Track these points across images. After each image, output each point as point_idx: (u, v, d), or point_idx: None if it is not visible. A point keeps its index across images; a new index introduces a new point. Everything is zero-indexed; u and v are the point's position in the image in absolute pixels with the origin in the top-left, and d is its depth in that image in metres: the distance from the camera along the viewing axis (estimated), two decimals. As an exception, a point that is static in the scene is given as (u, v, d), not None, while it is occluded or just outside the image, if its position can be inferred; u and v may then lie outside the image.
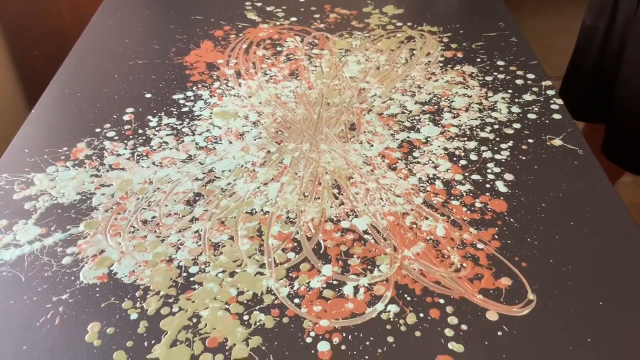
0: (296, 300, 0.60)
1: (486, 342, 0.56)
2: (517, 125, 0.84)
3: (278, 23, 1.15)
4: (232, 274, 0.64)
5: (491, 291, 0.61)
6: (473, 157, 0.79)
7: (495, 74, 0.96)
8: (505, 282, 0.62)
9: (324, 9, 1.19)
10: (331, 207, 0.72)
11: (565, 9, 2.97)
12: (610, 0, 1.08)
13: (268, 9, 1.20)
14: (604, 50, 1.11)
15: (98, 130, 0.86)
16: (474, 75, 0.96)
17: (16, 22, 1.56)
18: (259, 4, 1.21)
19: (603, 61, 1.12)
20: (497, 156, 0.79)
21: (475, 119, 0.86)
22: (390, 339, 0.56)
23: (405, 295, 0.60)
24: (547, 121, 0.85)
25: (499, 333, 0.56)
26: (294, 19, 1.16)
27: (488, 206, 0.71)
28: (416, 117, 0.88)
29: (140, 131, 0.86)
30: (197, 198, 0.74)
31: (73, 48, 1.08)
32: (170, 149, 0.83)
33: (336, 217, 0.71)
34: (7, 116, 1.66)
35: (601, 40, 1.11)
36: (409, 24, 1.13)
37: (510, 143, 0.81)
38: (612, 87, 1.09)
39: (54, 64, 1.60)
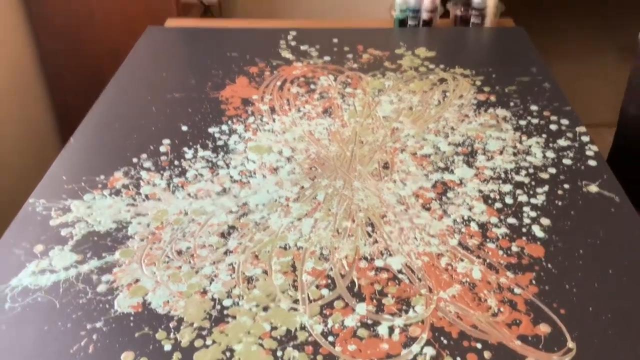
0: (330, 338, 0.60)
1: (526, 391, 0.54)
2: (552, 170, 0.84)
3: (312, 62, 1.17)
4: (265, 309, 0.63)
5: (530, 337, 0.59)
6: (508, 200, 0.78)
7: (529, 118, 0.96)
8: (544, 328, 0.60)
9: (356, 50, 1.21)
10: (365, 245, 0.72)
11: (591, 56, 2.99)
12: None
13: (302, 48, 1.22)
14: None
15: (135, 160, 0.87)
16: (507, 118, 0.97)
17: (52, 48, 1.61)
18: (293, 43, 1.24)
19: None
20: (532, 200, 0.78)
21: (510, 162, 0.86)
22: (426, 382, 0.55)
23: (442, 338, 0.59)
24: (582, 167, 0.84)
25: (539, 382, 0.55)
26: (327, 58, 1.18)
27: (525, 250, 0.70)
28: (450, 159, 0.88)
29: (176, 162, 0.87)
30: (231, 231, 0.74)
31: (112, 78, 1.10)
32: (206, 181, 0.84)
33: (370, 256, 0.70)
34: (39, 140, 1.70)
35: None
36: (441, 66, 1.14)
37: (546, 188, 0.80)
38: None
39: (86, 88, 1.64)
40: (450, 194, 0.80)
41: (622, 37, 3.17)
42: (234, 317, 0.62)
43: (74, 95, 1.67)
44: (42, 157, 1.71)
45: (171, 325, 0.61)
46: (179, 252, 0.71)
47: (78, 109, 1.65)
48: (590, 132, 2.43)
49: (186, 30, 1.33)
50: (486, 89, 1.05)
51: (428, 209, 0.78)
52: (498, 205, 0.78)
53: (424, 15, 1.30)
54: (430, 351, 0.58)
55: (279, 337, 0.60)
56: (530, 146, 0.90)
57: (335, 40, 1.25)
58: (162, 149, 0.90)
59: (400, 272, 0.68)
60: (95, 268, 0.69)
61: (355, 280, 0.67)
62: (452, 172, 0.85)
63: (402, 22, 1.32)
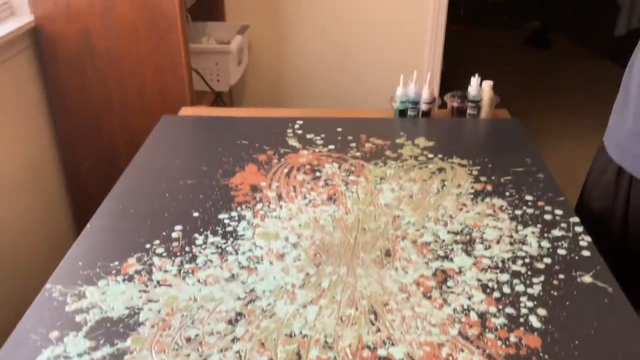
0: None
1: None
2: (547, 260, 0.87)
3: (317, 150, 1.23)
4: (271, 398, 0.65)
5: None
6: (506, 289, 0.82)
7: (524, 208, 1.01)
8: (542, 421, 0.62)
9: (359, 139, 1.28)
10: (368, 333, 0.75)
11: (589, 140, 3.08)
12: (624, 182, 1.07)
13: (308, 136, 1.29)
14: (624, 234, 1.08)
15: (148, 246, 0.91)
16: (503, 208, 1.01)
17: (70, 133, 1.69)
18: (299, 132, 1.31)
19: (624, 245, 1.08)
20: (529, 290, 0.81)
21: (507, 251, 0.90)
22: None
23: None
24: (576, 257, 0.88)
25: None
26: (332, 146, 1.25)
27: (522, 341, 0.72)
28: (449, 247, 0.91)
29: (187, 248, 0.91)
30: (238, 317, 0.77)
31: (129, 166, 1.17)
32: (215, 267, 0.87)
33: (373, 344, 0.73)
34: (55, 225, 1.74)
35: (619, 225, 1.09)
36: (439, 155, 1.20)
37: (542, 278, 0.84)
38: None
39: (103, 174, 1.71)
40: (450, 283, 0.84)
41: (616, 121, 3.27)
42: (241, 406, 0.64)
43: (90, 180, 1.73)
44: (58, 241, 1.76)
45: (180, 413, 0.63)
46: (188, 340, 0.74)
47: (94, 192, 1.72)
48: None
49: (199, 119, 1.41)
50: (483, 178, 1.11)
51: (429, 298, 0.81)
52: (496, 294, 0.81)
53: (423, 107, 1.38)
54: None
55: None
56: (526, 236, 0.94)
57: (339, 129, 1.32)
58: (174, 234, 0.95)
59: (402, 361, 0.70)
60: (107, 355, 0.71)
61: (359, 369, 0.69)
62: (451, 260, 0.88)
63: (403, 113, 1.39)
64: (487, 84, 1.37)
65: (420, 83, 1.37)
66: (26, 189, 1.61)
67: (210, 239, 0.94)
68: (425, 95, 1.37)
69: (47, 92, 1.65)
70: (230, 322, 0.77)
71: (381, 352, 0.72)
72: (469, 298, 0.80)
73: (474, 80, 1.36)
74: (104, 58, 1.56)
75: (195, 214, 1.00)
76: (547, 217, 0.98)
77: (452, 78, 3.53)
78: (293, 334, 0.74)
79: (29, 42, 1.58)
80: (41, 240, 1.68)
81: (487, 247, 0.91)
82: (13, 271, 1.55)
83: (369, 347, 0.72)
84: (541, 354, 0.70)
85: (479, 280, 0.84)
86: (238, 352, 0.72)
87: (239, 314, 0.78)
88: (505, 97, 1.40)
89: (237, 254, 0.90)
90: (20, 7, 1.58)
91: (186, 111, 1.49)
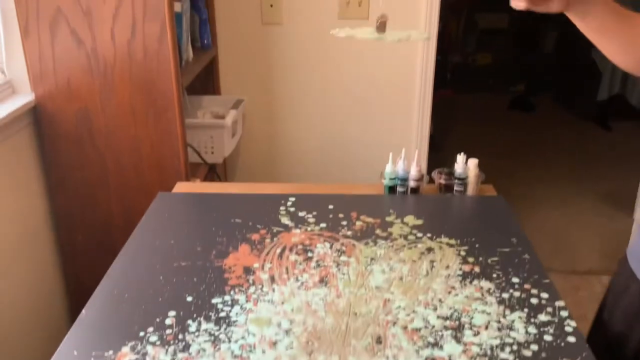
0: None
1: None
2: (534, 347, 0.89)
3: (309, 229, 1.26)
4: None
5: None
6: (494, 379, 0.83)
7: (511, 291, 1.03)
8: None
9: (350, 217, 1.31)
10: None
11: (575, 204, 3.14)
12: None
13: (300, 214, 1.32)
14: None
15: (142, 334, 0.92)
16: (491, 291, 1.04)
17: (66, 209, 1.71)
18: (292, 209, 1.34)
19: None
20: (517, 380, 0.83)
21: (495, 337, 0.92)
22: None
23: None
24: (562, 344, 0.90)
25: None
26: (323, 225, 1.28)
27: None
28: (439, 333, 0.93)
29: (180, 336, 0.92)
30: (231, 411, 0.78)
31: (124, 246, 1.19)
32: (208, 356, 0.88)
33: None
34: (49, 307, 1.74)
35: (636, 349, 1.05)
36: (428, 234, 1.23)
37: (530, 366, 0.85)
38: None
39: (97, 249, 1.72)
40: (439, 372, 0.85)
41: (602, 185, 3.35)
42: None
43: (84, 253, 1.75)
44: (52, 322, 1.75)
45: None
46: None
47: (88, 265, 1.73)
48: (577, 280, 2.50)
49: (193, 196, 1.44)
50: (470, 259, 1.14)
51: (419, 388, 0.82)
52: (485, 384, 0.82)
53: (412, 184, 1.42)
54: None
55: None
56: (513, 321, 0.96)
57: (330, 206, 1.35)
58: (168, 321, 0.96)
59: None
60: None
61: None
62: (441, 347, 0.90)
63: (392, 189, 1.43)
64: (473, 162, 1.42)
65: (408, 160, 1.42)
66: (20, 263, 1.62)
67: (204, 325, 0.95)
68: (413, 172, 1.42)
69: (45, 167, 1.69)
70: (223, 415, 0.77)
71: None
72: (459, 388, 0.82)
73: (460, 158, 1.41)
74: (102, 136, 1.60)
75: (189, 299, 1.02)
76: (534, 300, 1.01)
77: (440, 142, 3.62)
78: None
79: (30, 119, 1.63)
80: (34, 318, 1.67)
81: (476, 334, 0.93)
82: (8, 355, 1.54)
83: None
84: None
85: (468, 368, 0.85)
86: None
87: (232, 407, 0.79)
88: (491, 160, 1.44)
89: (230, 342, 0.92)
90: (21, 85, 1.63)
91: (181, 187, 1.52)
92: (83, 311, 0.98)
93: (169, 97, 1.57)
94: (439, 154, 3.40)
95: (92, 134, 1.61)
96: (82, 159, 1.63)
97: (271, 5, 2.16)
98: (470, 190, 1.43)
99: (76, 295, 1.81)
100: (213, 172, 1.95)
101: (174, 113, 1.59)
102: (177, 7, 1.73)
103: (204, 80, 2.17)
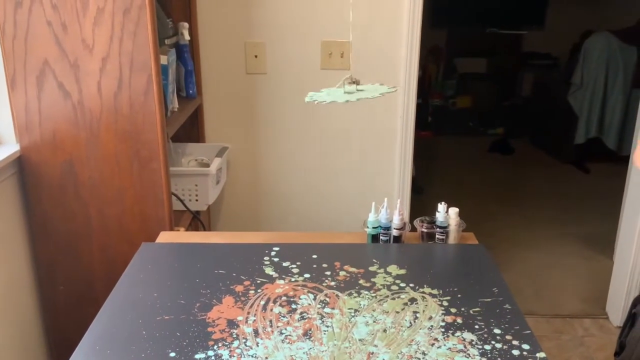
0: None
1: None
2: (517, 401, 0.90)
3: (293, 279, 1.27)
4: None
5: None
6: None
7: (493, 342, 1.04)
8: None
9: (334, 267, 1.32)
10: None
11: (556, 247, 3.18)
12: None
13: (284, 264, 1.33)
14: None
15: (124, 392, 0.92)
16: (473, 343, 1.05)
17: (48, 259, 1.70)
18: (276, 259, 1.35)
19: None
20: None
21: (478, 391, 0.92)
22: None
23: None
24: (544, 397, 0.91)
25: None
26: (307, 275, 1.29)
27: None
28: (422, 387, 0.94)
29: (163, 394, 0.92)
30: None
31: (106, 301, 1.18)
32: (191, 414, 0.88)
33: None
34: (26, 344, 1.71)
35: None
36: (411, 285, 1.25)
37: (512, 420, 0.86)
38: None
39: (79, 300, 1.70)
40: None
41: (582, 227, 3.40)
42: None
43: (65, 303, 1.72)
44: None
45: None
46: None
47: (70, 320, 1.71)
48: (560, 324, 2.52)
49: (177, 246, 1.44)
50: (453, 310, 1.15)
51: None
52: None
53: (394, 232, 1.44)
54: None
55: None
56: (495, 373, 0.97)
57: (314, 256, 1.37)
58: (151, 378, 0.95)
59: None
60: None
61: None
62: (424, 402, 0.90)
63: (375, 237, 1.45)
64: (453, 211, 1.45)
65: (391, 209, 1.44)
66: (0, 314, 1.60)
67: (187, 382, 0.95)
68: (396, 221, 1.44)
69: (28, 217, 1.68)
70: None
71: None
72: None
73: (441, 207, 1.44)
74: (86, 186, 1.61)
75: (172, 354, 1.01)
76: (515, 352, 1.02)
77: (422, 184, 3.67)
78: None
79: (14, 169, 1.63)
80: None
81: (459, 387, 0.94)
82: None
83: None
84: None
85: None
86: None
87: None
88: (472, 202, 1.47)
89: (213, 399, 0.91)
90: (6, 136, 1.64)
91: (165, 236, 1.52)
92: (64, 369, 0.97)
93: (154, 147, 1.59)
94: (421, 196, 3.44)
95: (76, 185, 1.62)
96: (65, 209, 1.63)
97: (255, 56, 2.22)
98: (452, 238, 1.45)
99: (58, 348, 1.77)
100: (197, 220, 1.96)
101: (158, 163, 1.60)
102: (164, 59, 1.77)
103: (188, 128, 2.20)
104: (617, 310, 2.36)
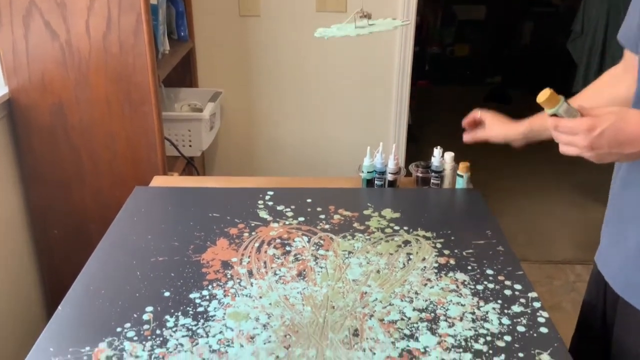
0: None
1: None
2: (507, 338, 0.91)
3: (287, 222, 1.27)
4: None
5: None
6: (468, 369, 0.85)
7: (485, 282, 1.05)
8: None
9: (328, 210, 1.32)
10: (336, 419, 0.76)
11: (550, 195, 3.19)
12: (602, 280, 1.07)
13: (278, 208, 1.33)
14: (604, 324, 1.08)
15: (119, 329, 0.92)
16: (466, 283, 1.05)
17: (41, 203, 1.69)
18: (270, 203, 1.35)
19: (606, 338, 1.07)
20: (490, 370, 0.85)
21: (469, 329, 0.94)
22: None
23: None
24: (535, 334, 0.92)
25: None
26: (301, 218, 1.28)
27: None
28: (414, 325, 0.95)
29: (158, 332, 0.92)
30: (209, 405, 0.78)
31: (100, 241, 1.18)
32: (186, 351, 0.89)
33: None
34: (26, 303, 1.72)
35: (601, 317, 1.09)
36: (405, 228, 1.25)
37: (503, 356, 0.87)
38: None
39: (73, 244, 1.70)
40: (415, 363, 0.86)
41: (577, 176, 3.41)
42: None
43: (60, 247, 1.73)
44: (30, 317, 1.73)
45: None
46: None
47: (64, 259, 1.71)
48: (552, 270, 2.54)
49: (171, 190, 1.43)
50: (446, 252, 1.15)
51: (395, 380, 0.83)
52: (459, 375, 0.84)
53: (389, 177, 1.44)
54: None
55: None
56: (487, 312, 0.98)
57: (309, 200, 1.36)
58: (145, 316, 0.96)
59: None
60: None
61: None
62: (417, 339, 0.92)
63: (370, 182, 1.45)
64: (449, 155, 1.43)
65: (386, 153, 1.43)
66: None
67: (181, 320, 0.95)
68: (391, 165, 1.43)
69: (19, 161, 1.66)
70: (201, 410, 0.78)
71: None
72: (434, 379, 0.83)
73: (437, 151, 1.42)
74: (76, 130, 1.58)
75: (167, 294, 1.02)
76: (507, 292, 1.03)
77: (417, 133, 3.64)
78: (263, 422, 0.76)
79: (3, 112, 1.60)
80: (11, 314, 1.65)
81: (451, 325, 0.95)
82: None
83: None
84: None
85: (443, 360, 0.87)
86: None
87: (210, 402, 0.79)
88: (467, 152, 1.46)
89: (207, 336, 0.92)
90: (-6, 78, 1.60)
91: (158, 181, 1.51)
92: (59, 307, 0.98)
93: (145, 90, 1.55)
94: (416, 144, 3.42)
95: (66, 129, 1.59)
96: (56, 153, 1.61)
97: (249, -3, 2.15)
98: (447, 183, 1.44)
99: (53, 291, 1.79)
100: (191, 166, 1.94)
101: (150, 106, 1.57)
102: (153, -1, 1.71)
103: (181, 73, 2.16)
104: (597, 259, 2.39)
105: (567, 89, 4.28)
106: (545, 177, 3.41)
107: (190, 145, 1.92)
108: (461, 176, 1.42)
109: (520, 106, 5.09)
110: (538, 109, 0.97)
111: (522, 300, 1.01)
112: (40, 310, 1.82)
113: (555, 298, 2.27)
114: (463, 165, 1.41)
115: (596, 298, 1.12)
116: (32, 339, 0.90)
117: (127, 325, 0.94)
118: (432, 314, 0.97)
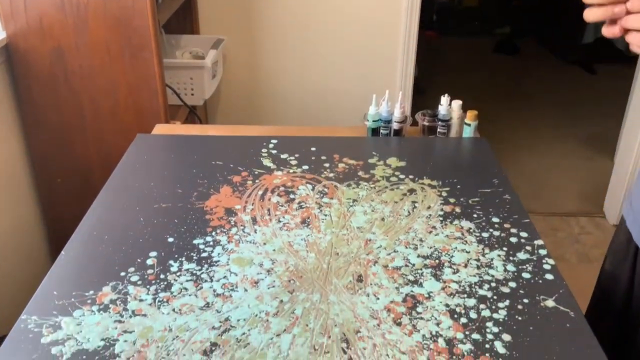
0: None
1: None
2: (512, 284, 0.91)
3: (291, 171, 1.25)
4: None
5: None
6: (473, 315, 0.85)
7: (491, 230, 1.04)
8: None
9: (333, 159, 1.30)
10: (340, 361, 0.77)
11: (557, 147, 3.16)
12: (632, 248, 0.99)
13: (282, 156, 1.31)
14: (629, 298, 1.02)
15: (123, 274, 0.92)
16: (471, 230, 1.05)
17: (43, 152, 1.67)
18: (274, 152, 1.33)
19: (627, 311, 1.02)
20: (495, 315, 0.84)
21: (474, 275, 0.93)
22: None
23: None
24: (540, 281, 0.91)
25: None
26: (305, 167, 1.27)
27: (487, 367, 0.76)
28: (419, 271, 0.94)
29: (162, 276, 0.92)
30: (213, 348, 0.79)
31: (103, 188, 1.17)
32: (190, 295, 0.89)
33: (345, 373, 0.75)
34: (30, 248, 1.73)
35: (624, 288, 1.02)
36: (410, 176, 1.23)
37: (507, 302, 0.87)
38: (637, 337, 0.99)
39: (76, 192, 1.70)
40: (419, 308, 0.86)
41: (584, 128, 3.37)
42: None
43: (63, 195, 1.72)
44: (34, 264, 1.75)
45: None
46: (164, 372, 0.75)
47: (68, 207, 1.71)
48: (556, 222, 2.54)
49: (173, 138, 1.42)
50: (452, 200, 1.14)
51: (399, 324, 0.83)
52: (463, 320, 0.84)
53: (395, 126, 1.41)
54: None
55: None
56: (492, 259, 0.97)
57: (313, 149, 1.34)
58: (149, 261, 0.96)
59: (372, 390, 0.73)
60: (83, 389, 0.72)
61: (331, 398, 0.71)
62: (421, 285, 0.91)
63: (375, 131, 1.42)
64: (457, 104, 1.40)
65: (392, 101, 1.40)
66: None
67: (185, 265, 0.95)
68: (396, 114, 1.40)
69: (19, 107, 1.64)
70: (205, 352, 0.78)
71: (353, 381, 0.74)
72: (438, 324, 0.83)
73: (444, 99, 1.39)
74: (76, 75, 1.55)
75: (170, 240, 1.01)
76: (513, 239, 1.02)
77: (424, 85, 3.59)
78: (267, 364, 0.76)
79: (2, 58, 1.56)
80: (15, 261, 1.66)
81: (455, 272, 0.94)
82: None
83: (340, 376, 0.74)
84: (505, 380, 0.74)
85: (447, 305, 0.87)
86: (213, 383, 0.73)
87: (214, 345, 0.79)
88: (475, 103, 1.43)
89: (211, 281, 0.92)
90: (-10, 23, 1.56)
91: (160, 129, 1.49)
92: (62, 252, 0.97)
93: (145, 35, 1.51)
94: (423, 96, 3.37)
95: (66, 75, 1.56)
96: (57, 100, 1.59)
97: (251, -60, 2.07)
98: (454, 132, 1.42)
99: (57, 238, 1.80)
100: (193, 115, 1.92)
101: (150, 52, 1.54)
102: (152, -61, 1.64)
103: (181, 19, 2.10)
104: (614, 209, 2.38)
105: (576, 40, 4.19)
106: (552, 129, 3.37)
107: (192, 94, 1.89)
108: (468, 125, 1.39)
109: (527, 57, 4.99)
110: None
111: (528, 247, 1.00)
112: (44, 258, 1.83)
113: (559, 250, 2.28)
114: (471, 114, 1.39)
115: (621, 266, 1.03)
116: (36, 285, 0.90)
117: (131, 269, 0.94)
118: (437, 261, 0.97)
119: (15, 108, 1.64)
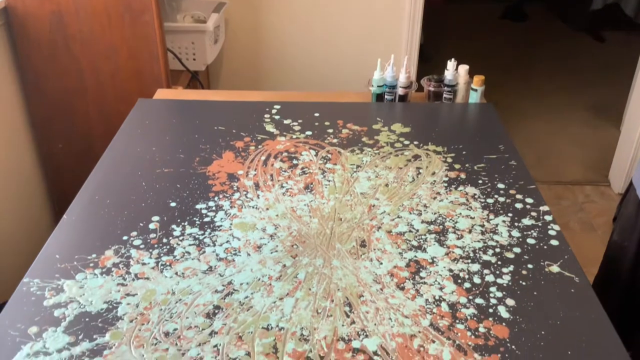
0: (309, 422, 0.64)
1: None
2: (517, 250, 0.90)
3: (294, 136, 1.24)
4: (249, 392, 0.67)
5: (494, 419, 0.64)
6: (476, 280, 0.84)
7: (496, 196, 1.03)
8: (507, 410, 0.65)
9: (337, 124, 1.28)
10: (343, 325, 0.77)
11: (563, 116, 3.13)
12: None
13: (285, 122, 1.29)
14: (636, 269, 1.04)
15: (125, 238, 0.92)
16: (476, 196, 1.03)
17: (44, 117, 1.66)
18: (277, 117, 1.31)
19: (635, 280, 1.05)
20: (499, 280, 0.84)
21: (478, 241, 0.92)
22: None
23: (413, 421, 0.64)
24: (545, 247, 0.91)
25: None
26: (309, 132, 1.25)
27: (491, 332, 0.75)
28: (422, 237, 0.94)
29: (164, 240, 0.92)
30: (216, 311, 0.79)
31: (104, 153, 1.16)
32: (192, 259, 0.88)
33: (347, 336, 0.75)
34: (32, 212, 1.73)
35: (632, 259, 1.05)
36: (415, 142, 1.21)
37: (511, 267, 0.86)
38: None
39: (78, 158, 1.69)
40: (422, 273, 0.86)
41: (591, 96, 3.32)
42: (219, 401, 0.66)
43: (65, 160, 1.71)
44: (36, 230, 1.75)
45: (160, 409, 0.65)
46: (166, 334, 0.75)
47: (70, 172, 1.70)
48: (561, 190, 2.53)
49: (175, 103, 1.40)
50: (457, 166, 1.13)
51: (402, 289, 0.83)
52: (467, 285, 0.84)
53: (400, 91, 1.39)
54: None
55: (261, 421, 0.64)
56: (497, 225, 0.96)
57: (316, 114, 1.32)
58: (152, 226, 0.95)
59: (375, 353, 0.73)
60: (87, 350, 0.72)
61: (334, 361, 0.71)
62: (424, 250, 0.91)
63: (380, 97, 1.40)
64: (463, 68, 1.38)
65: (397, 66, 1.37)
66: (1, 171, 1.59)
67: (188, 230, 0.95)
68: (402, 79, 1.38)
69: (19, 72, 1.62)
70: (208, 315, 0.78)
71: (355, 344, 0.74)
72: (441, 289, 0.83)
73: (450, 64, 1.37)
74: (77, 40, 1.53)
75: (173, 204, 1.01)
76: (518, 205, 1.01)
77: (430, 52, 3.53)
78: (270, 327, 0.76)
79: (1, 21, 1.53)
80: (18, 225, 1.66)
81: (460, 237, 0.94)
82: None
83: (343, 339, 0.75)
84: (509, 345, 0.74)
85: (450, 270, 0.86)
86: (216, 346, 0.74)
87: (217, 308, 0.79)
88: (481, 70, 1.40)
89: (214, 245, 0.91)
90: (-13, -15, 1.53)
91: (162, 93, 1.47)
92: (64, 216, 0.97)
93: (145, -2, 1.48)
94: (428, 64, 3.32)
95: (66, 39, 1.53)
96: (57, 65, 1.56)
97: None
98: (460, 97, 1.40)
99: (60, 203, 1.79)
100: (195, 80, 1.89)
101: (151, 15, 1.51)
102: None
103: (183, -17, 2.05)
104: (620, 178, 2.36)
105: (585, 7, 4.10)
106: (557, 98, 3.32)
107: (194, 59, 1.86)
108: (475, 90, 1.37)
109: (535, 24, 4.88)
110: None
111: (533, 213, 0.99)
112: (46, 222, 1.83)
113: (564, 218, 2.27)
114: (478, 79, 1.36)
115: (629, 237, 1.04)
116: (38, 250, 0.90)
117: (134, 233, 0.93)
118: (441, 227, 0.96)
119: (15, 73, 1.62)
